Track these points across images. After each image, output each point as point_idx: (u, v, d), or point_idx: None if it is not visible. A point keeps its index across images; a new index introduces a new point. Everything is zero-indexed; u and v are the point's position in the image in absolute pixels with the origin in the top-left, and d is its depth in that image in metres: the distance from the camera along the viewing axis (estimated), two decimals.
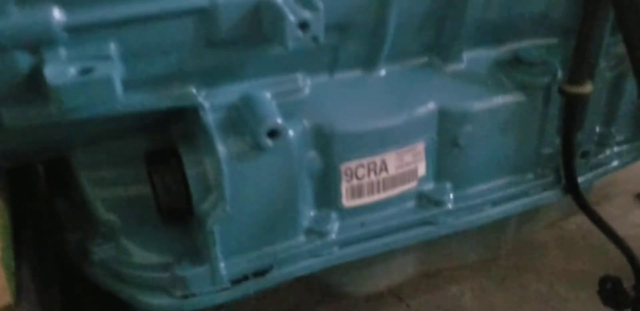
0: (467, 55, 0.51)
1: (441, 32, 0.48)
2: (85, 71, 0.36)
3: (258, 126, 0.42)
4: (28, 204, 0.45)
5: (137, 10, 0.37)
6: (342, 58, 0.46)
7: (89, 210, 0.43)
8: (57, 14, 0.35)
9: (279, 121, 0.42)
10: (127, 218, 0.43)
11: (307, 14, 0.37)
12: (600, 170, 0.60)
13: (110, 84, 0.35)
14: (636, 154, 0.63)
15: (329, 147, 0.46)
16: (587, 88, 0.48)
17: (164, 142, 0.44)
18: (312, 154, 0.46)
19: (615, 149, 0.60)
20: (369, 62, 0.47)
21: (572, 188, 0.57)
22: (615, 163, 0.61)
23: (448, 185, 0.52)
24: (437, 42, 0.48)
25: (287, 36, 0.38)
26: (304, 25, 0.38)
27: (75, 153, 0.43)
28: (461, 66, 0.51)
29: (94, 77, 0.35)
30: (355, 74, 0.48)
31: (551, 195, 0.57)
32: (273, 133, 0.42)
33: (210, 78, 0.43)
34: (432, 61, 0.50)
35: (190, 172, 0.42)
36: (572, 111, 0.50)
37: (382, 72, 0.49)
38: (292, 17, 0.37)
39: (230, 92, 0.44)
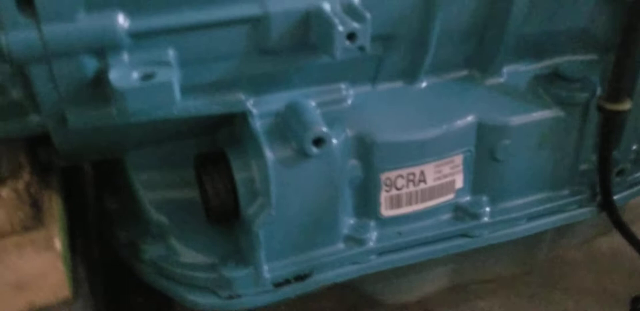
0: (507, 69, 0.52)
1: (482, 45, 0.49)
2: (147, 76, 0.37)
3: (304, 134, 0.43)
4: (78, 200, 0.47)
5: (194, 18, 0.38)
6: (385, 69, 0.47)
7: (140, 210, 0.45)
8: (122, 20, 0.37)
9: (324, 129, 0.43)
10: (176, 219, 0.44)
11: (355, 25, 0.39)
12: (636, 189, 0.60)
13: (170, 90, 0.37)
14: None
15: (370, 156, 0.47)
16: (626, 105, 0.49)
17: (213, 146, 0.46)
18: (354, 163, 0.47)
19: None
20: (410, 74, 0.49)
21: (607, 206, 0.57)
22: None
23: (485, 198, 0.53)
24: (478, 55, 0.50)
25: (336, 46, 0.39)
26: (351, 36, 0.39)
27: (129, 155, 0.44)
28: (500, 80, 0.52)
29: (155, 83, 0.36)
30: (397, 85, 0.49)
31: (586, 212, 0.57)
32: (318, 141, 0.43)
33: (259, 85, 0.44)
34: (472, 73, 0.51)
35: (239, 176, 0.44)
36: (610, 128, 0.50)
37: (423, 84, 0.50)
38: (340, 28, 0.38)
39: (277, 100, 0.45)
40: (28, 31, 0.35)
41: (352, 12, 0.40)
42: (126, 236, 0.47)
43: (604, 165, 0.54)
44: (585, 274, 0.78)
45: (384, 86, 0.49)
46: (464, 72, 0.51)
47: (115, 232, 0.48)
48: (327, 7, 0.40)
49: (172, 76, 0.37)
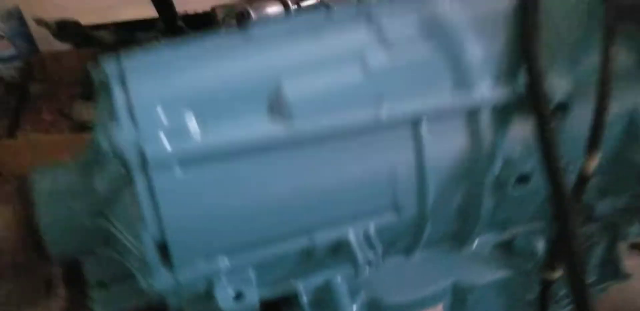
0: (478, 240, 0.74)
1: (462, 230, 0.70)
2: (238, 295, 0.59)
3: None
4: None
5: (271, 252, 0.60)
6: (391, 252, 0.69)
7: None
8: (223, 262, 0.58)
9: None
10: None
11: (371, 255, 0.61)
12: None
13: (256, 307, 0.59)
14: None
15: None
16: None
17: None
18: None
19: None
20: (408, 252, 0.70)
21: None
22: None
23: None
24: (458, 235, 0.71)
25: (358, 265, 0.61)
26: (369, 263, 0.61)
27: None
28: (471, 249, 0.73)
29: (247, 303, 0.58)
30: (399, 258, 0.71)
31: None
32: None
33: (306, 273, 0.66)
34: (453, 245, 0.72)
35: None
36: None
37: (417, 256, 0.72)
38: (360, 259, 0.60)
39: (316, 280, 0.67)
40: (167, 277, 0.57)
41: (367, 241, 0.62)
42: None
43: None
44: None
45: (389, 260, 0.70)
46: (447, 245, 0.72)
47: None
48: (352, 238, 0.61)
49: (256, 295, 0.59)
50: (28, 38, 1.45)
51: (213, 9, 1.19)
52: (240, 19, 0.76)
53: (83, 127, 1.19)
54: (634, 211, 0.70)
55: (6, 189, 0.61)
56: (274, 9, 0.64)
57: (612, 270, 0.79)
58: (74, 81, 1.33)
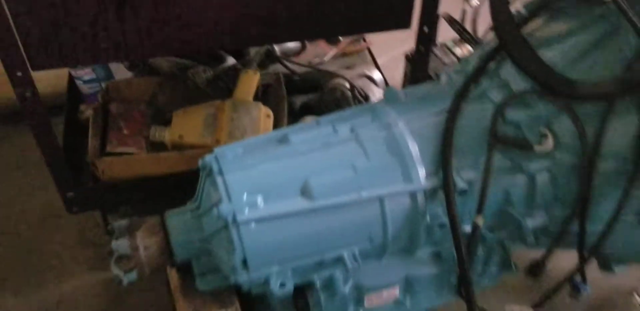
0: (418, 252, 1.21)
1: (408, 248, 1.17)
2: (282, 285, 1.08)
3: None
4: None
5: (301, 262, 1.08)
6: (368, 259, 1.17)
7: None
8: (275, 268, 1.07)
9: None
10: None
11: (355, 264, 1.09)
12: None
13: (290, 291, 1.08)
14: None
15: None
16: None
17: None
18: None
19: None
20: (378, 259, 1.18)
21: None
22: None
23: None
24: (407, 250, 1.18)
25: (348, 268, 1.10)
26: (354, 267, 1.10)
27: None
28: (416, 256, 1.21)
29: (285, 288, 1.07)
30: (373, 261, 1.19)
31: None
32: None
33: (319, 271, 1.15)
34: (404, 254, 1.20)
35: None
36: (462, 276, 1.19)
37: (384, 260, 1.20)
38: (349, 265, 1.09)
39: (325, 274, 1.16)
40: (245, 276, 1.05)
41: (354, 257, 1.10)
42: None
43: None
44: None
45: (368, 262, 1.18)
46: (401, 254, 1.19)
47: None
48: (345, 256, 1.09)
49: (292, 284, 1.08)
50: (105, 66, 1.84)
51: None
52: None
53: (159, 146, 1.63)
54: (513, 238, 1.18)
55: (152, 223, 1.10)
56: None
57: (506, 266, 1.28)
58: (144, 103, 1.71)
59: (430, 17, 1.46)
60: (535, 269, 1.14)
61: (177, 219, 1.12)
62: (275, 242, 1.04)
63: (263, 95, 1.73)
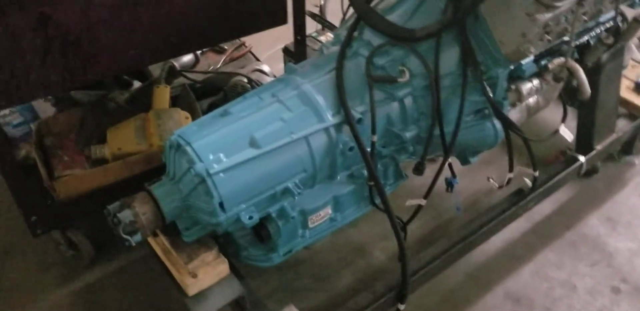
0: (339, 176, 1.62)
1: (331, 174, 1.58)
2: (250, 217, 1.43)
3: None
4: None
5: (262, 197, 1.44)
6: (305, 188, 1.56)
7: None
8: (243, 206, 1.42)
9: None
10: None
11: (299, 191, 1.48)
12: None
13: (256, 222, 1.44)
14: None
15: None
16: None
17: None
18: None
19: None
20: (312, 186, 1.57)
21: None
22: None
23: None
24: (330, 176, 1.59)
25: (294, 196, 1.48)
26: (298, 194, 1.48)
27: None
28: (337, 180, 1.62)
29: (253, 220, 1.43)
30: (309, 189, 1.58)
31: None
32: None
33: (273, 204, 1.51)
34: (329, 180, 1.61)
35: None
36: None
37: (315, 187, 1.59)
38: (295, 193, 1.47)
39: (278, 206, 1.53)
40: (222, 215, 1.39)
41: (297, 186, 1.48)
42: None
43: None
44: None
45: (305, 191, 1.56)
46: (327, 181, 1.60)
47: None
48: (290, 186, 1.47)
49: (257, 217, 1.43)
50: (31, 108, 2.01)
51: None
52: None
53: (99, 163, 1.81)
54: (399, 151, 1.63)
55: (142, 196, 1.39)
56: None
57: (399, 176, 1.73)
58: (74, 131, 1.90)
59: (301, 12, 1.94)
60: (419, 168, 1.60)
61: (161, 189, 1.43)
62: (240, 184, 1.40)
63: (175, 105, 2.05)
